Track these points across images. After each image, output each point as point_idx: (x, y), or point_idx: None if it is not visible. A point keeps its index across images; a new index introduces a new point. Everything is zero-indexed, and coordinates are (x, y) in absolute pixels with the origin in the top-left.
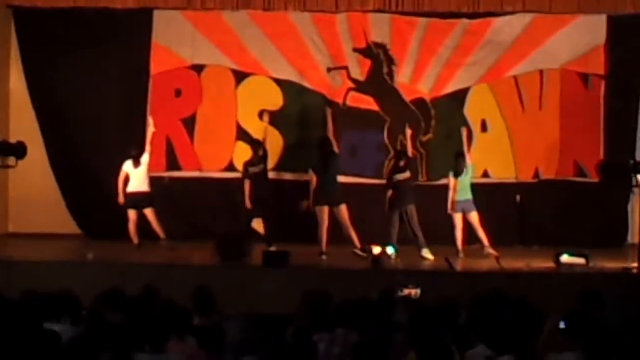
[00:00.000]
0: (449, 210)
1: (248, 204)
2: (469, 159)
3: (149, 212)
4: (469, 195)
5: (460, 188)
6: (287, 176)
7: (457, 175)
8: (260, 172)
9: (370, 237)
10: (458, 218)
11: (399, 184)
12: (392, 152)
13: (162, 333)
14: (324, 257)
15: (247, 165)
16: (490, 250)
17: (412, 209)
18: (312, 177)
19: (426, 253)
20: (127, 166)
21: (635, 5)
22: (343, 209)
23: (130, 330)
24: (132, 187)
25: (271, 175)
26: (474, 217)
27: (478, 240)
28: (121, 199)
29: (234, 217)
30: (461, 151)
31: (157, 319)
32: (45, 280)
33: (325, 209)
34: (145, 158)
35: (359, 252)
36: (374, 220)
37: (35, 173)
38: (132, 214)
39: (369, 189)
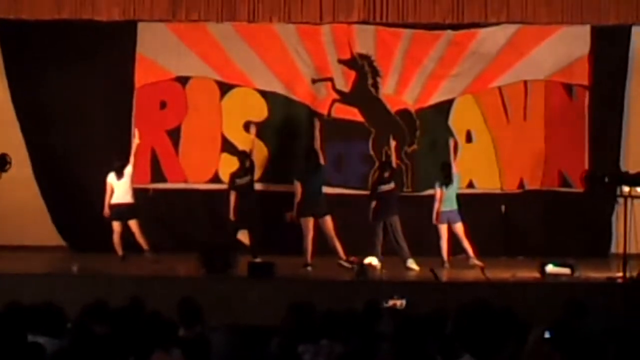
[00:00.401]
0: (434, 221)
1: (232, 215)
2: (455, 170)
3: (133, 224)
4: (454, 206)
5: (445, 198)
6: (272, 187)
7: (444, 185)
8: (247, 184)
9: (354, 248)
10: (443, 229)
11: (383, 194)
12: (377, 163)
13: (147, 345)
14: (309, 268)
15: (233, 176)
16: (476, 261)
17: (396, 220)
18: (297, 188)
19: (411, 264)
20: (111, 178)
21: (619, 16)
22: (328, 220)
23: (115, 343)
24: (116, 199)
25: (256, 186)
26: (459, 227)
27: (463, 250)
28: (106, 211)
29: (219, 228)
30: (448, 162)
31: (142, 331)
32: (29, 292)
33: (310, 220)
34: (128, 169)
35: (344, 263)
36: (358, 231)
37: (19, 185)
38: (116, 225)
39: (353, 200)
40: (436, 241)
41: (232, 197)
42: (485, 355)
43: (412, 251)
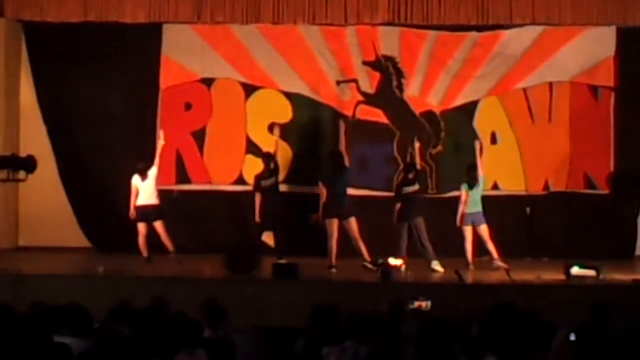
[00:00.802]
0: (459, 223)
1: (258, 217)
2: (480, 172)
3: (158, 225)
4: (479, 208)
5: (470, 200)
6: (297, 189)
7: (470, 187)
8: (272, 186)
9: (379, 250)
10: (468, 230)
11: (408, 196)
12: (401, 165)
13: (172, 346)
14: (333, 270)
15: (258, 178)
16: (500, 263)
17: (420, 221)
18: (322, 190)
19: (436, 265)
20: (135, 180)
21: None
22: (353, 222)
23: (140, 343)
24: (141, 201)
25: (280, 188)
26: (483, 229)
27: (487, 252)
28: (132, 212)
29: (244, 230)
30: (474, 163)
31: (167, 332)
32: (55, 293)
33: (335, 221)
34: (153, 171)
35: (368, 265)
36: (383, 232)
37: (45, 187)
38: (141, 227)
39: (378, 202)
40: (461, 243)
41: (257, 198)
42: (511, 357)
43: (436, 253)
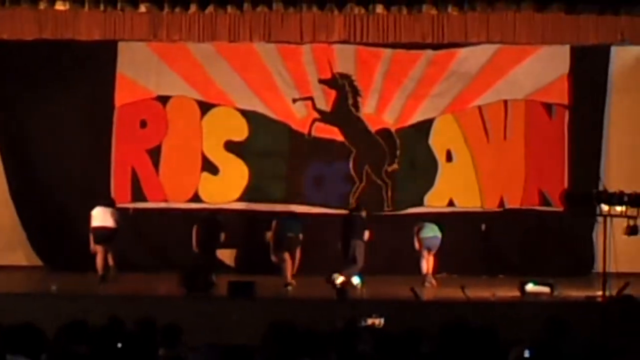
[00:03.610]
0: (417, 247)
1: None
2: None
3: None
4: (436, 232)
5: (425, 225)
6: (253, 206)
7: None
8: None
9: (335, 267)
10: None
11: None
12: (357, 182)
13: None
14: (289, 287)
15: None
16: (433, 281)
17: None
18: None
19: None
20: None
21: (598, 35)
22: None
23: None
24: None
25: (235, 205)
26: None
27: (443, 270)
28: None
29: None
30: None
31: (122, 351)
32: (7, 312)
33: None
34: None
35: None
36: (337, 249)
37: None
38: (99, 248)
39: (334, 219)
40: (416, 260)
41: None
42: None
43: (391, 269)
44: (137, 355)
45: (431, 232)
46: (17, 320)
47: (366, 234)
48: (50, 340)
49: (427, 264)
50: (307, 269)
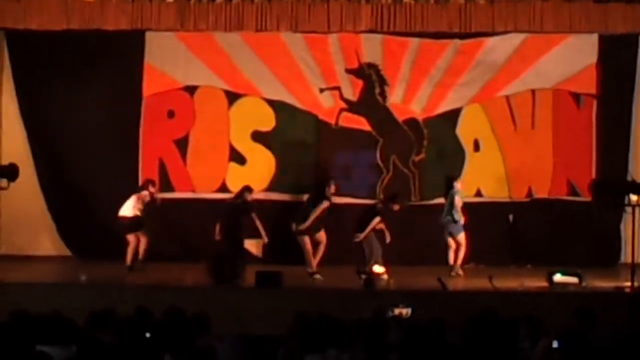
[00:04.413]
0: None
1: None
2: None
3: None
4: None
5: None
6: (280, 197)
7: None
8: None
9: (362, 258)
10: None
11: None
12: (384, 172)
13: (155, 354)
14: (316, 276)
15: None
16: (460, 271)
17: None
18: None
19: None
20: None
21: (626, 24)
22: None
23: (123, 352)
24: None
25: (263, 195)
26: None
27: (471, 260)
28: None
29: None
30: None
31: (150, 341)
32: (37, 302)
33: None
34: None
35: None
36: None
37: (26, 195)
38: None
39: (360, 209)
40: (444, 250)
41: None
42: None
43: (419, 260)
44: (165, 345)
45: (448, 216)
46: (46, 310)
47: (374, 222)
48: (79, 329)
49: (453, 254)
50: (335, 260)
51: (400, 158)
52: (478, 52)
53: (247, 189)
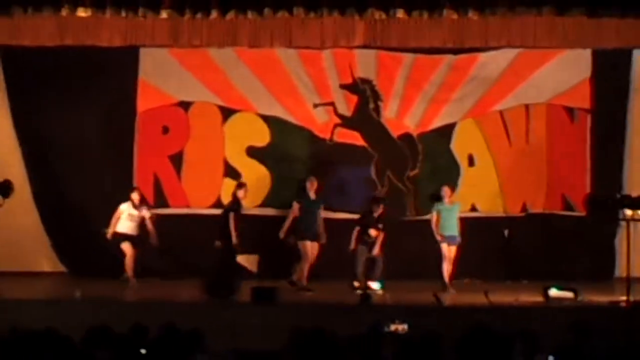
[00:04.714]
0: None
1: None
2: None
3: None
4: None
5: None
6: (274, 212)
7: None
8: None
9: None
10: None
11: None
12: (379, 187)
13: None
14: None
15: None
16: (451, 289)
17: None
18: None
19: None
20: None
21: (620, 39)
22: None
23: None
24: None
25: (257, 211)
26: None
27: (467, 275)
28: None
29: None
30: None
31: (145, 357)
32: (31, 318)
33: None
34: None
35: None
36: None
37: (20, 211)
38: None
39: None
40: (439, 265)
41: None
42: None
43: (414, 275)
44: None
45: (450, 231)
46: (41, 326)
47: (354, 233)
48: (75, 346)
49: (448, 266)
50: (329, 274)
51: (395, 173)
52: (472, 67)
53: (239, 185)
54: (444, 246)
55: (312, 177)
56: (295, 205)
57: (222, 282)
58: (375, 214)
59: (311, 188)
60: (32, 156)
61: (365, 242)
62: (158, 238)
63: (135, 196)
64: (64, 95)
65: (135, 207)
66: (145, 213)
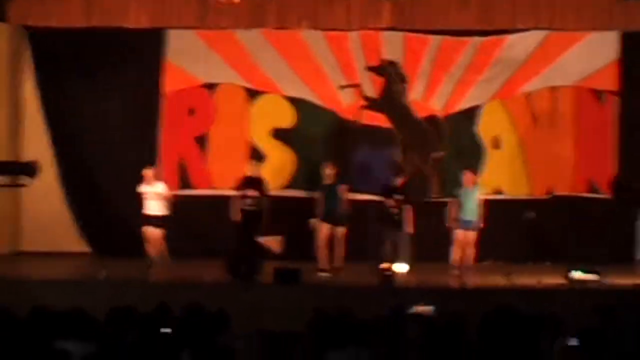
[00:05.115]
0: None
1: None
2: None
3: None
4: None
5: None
6: (300, 193)
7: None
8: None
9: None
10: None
11: None
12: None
13: (175, 351)
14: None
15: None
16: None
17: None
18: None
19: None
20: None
21: None
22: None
23: (142, 349)
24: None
25: (283, 192)
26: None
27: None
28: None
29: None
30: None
31: (169, 337)
32: (57, 299)
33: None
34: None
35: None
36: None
37: (47, 192)
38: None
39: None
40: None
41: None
42: None
43: (438, 256)
44: (184, 342)
45: (470, 215)
46: (66, 306)
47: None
48: (99, 325)
49: (458, 251)
50: (353, 256)
51: (420, 155)
52: (498, 49)
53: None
54: (458, 232)
55: (327, 162)
56: (317, 194)
57: (245, 263)
58: (394, 184)
59: (327, 173)
60: (58, 136)
61: (389, 219)
62: (182, 216)
63: (147, 172)
64: (91, 76)
65: (148, 182)
66: (159, 187)
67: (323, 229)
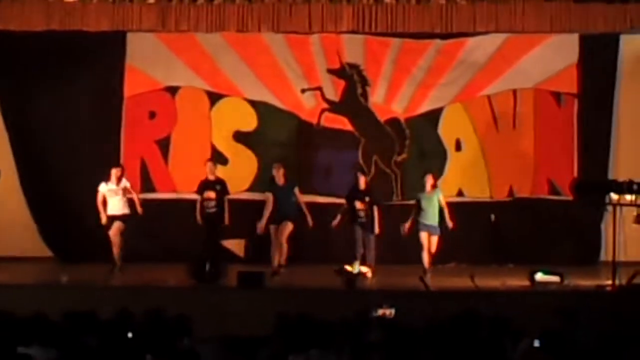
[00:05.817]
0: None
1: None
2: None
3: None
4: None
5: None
6: (261, 196)
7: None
8: None
9: (342, 257)
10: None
11: None
12: (366, 172)
13: (137, 356)
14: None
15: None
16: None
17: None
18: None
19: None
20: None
21: (607, 24)
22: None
23: (104, 354)
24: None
25: (245, 195)
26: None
27: (450, 260)
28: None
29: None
30: None
31: (131, 342)
32: (17, 303)
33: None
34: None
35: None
36: (346, 239)
37: (6, 196)
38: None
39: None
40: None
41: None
42: None
43: (400, 259)
44: (146, 346)
45: (431, 220)
46: (27, 311)
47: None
48: (61, 331)
49: (426, 255)
50: (314, 259)
51: (382, 158)
52: (459, 52)
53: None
54: (422, 235)
55: (277, 164)
56: (267, 196)
57: (208, 266)
58: (360, 187)
59: (278, 174)
60: (18, 140)
61: (356, 220)
62: (144, 219)
63: (115, 172)
64: (51, 80)
65: (114, 182)
66: (126, 183)
67: (275, 231)
